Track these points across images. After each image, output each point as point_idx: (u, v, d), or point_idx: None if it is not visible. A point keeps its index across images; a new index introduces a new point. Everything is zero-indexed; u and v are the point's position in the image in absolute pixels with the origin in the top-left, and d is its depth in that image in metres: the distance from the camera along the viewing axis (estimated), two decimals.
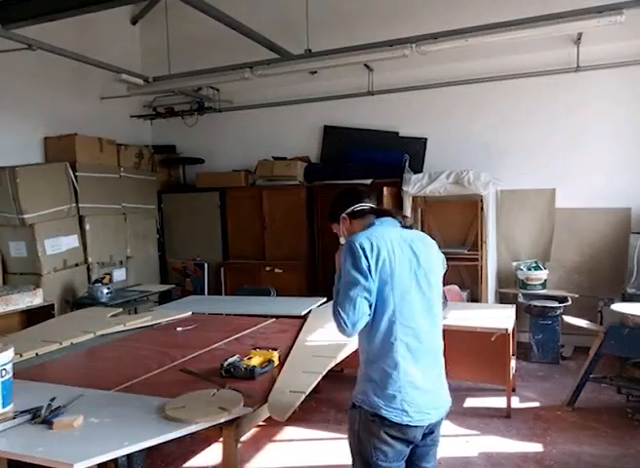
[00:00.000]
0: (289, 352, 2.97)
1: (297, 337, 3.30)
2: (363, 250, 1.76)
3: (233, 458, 2.09)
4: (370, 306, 1.75)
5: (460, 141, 5.70)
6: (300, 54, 5.12)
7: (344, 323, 1.72)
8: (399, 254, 1.81)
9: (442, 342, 1.92)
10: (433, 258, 1.93)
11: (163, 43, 5.84)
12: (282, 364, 2.75)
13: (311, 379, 2.49)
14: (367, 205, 2.02)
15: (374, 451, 1.77)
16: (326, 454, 3.33)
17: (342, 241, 2.00)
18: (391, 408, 1.74)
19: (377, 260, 1.76)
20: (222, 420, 2.05)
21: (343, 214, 2.02)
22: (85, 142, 5.66)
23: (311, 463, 3.25)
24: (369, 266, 1.75)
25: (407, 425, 1.75)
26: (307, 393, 2.34)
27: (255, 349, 2.81)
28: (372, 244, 1.78)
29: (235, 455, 2.11)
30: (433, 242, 2.00)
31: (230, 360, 2.63)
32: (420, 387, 1.78)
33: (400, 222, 1.95)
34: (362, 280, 1.74)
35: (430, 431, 1.85)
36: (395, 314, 1.77)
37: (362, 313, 1.73)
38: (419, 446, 1.85)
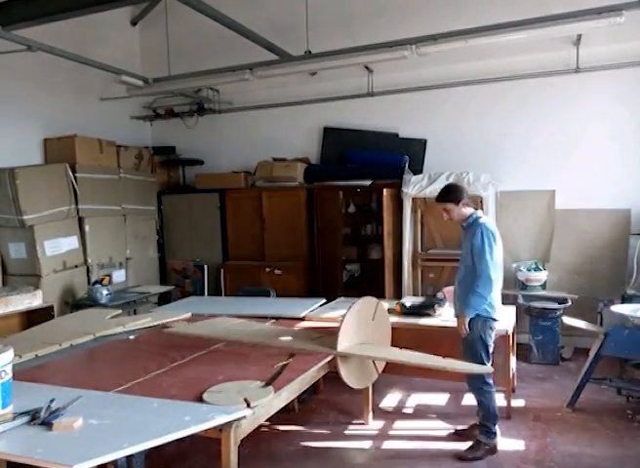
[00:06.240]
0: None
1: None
2: (494, 236, 3.15)
3: (232, 460, 2.09)
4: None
5: (460, 142, 5.70)
6: (299, 55, 5.13)
7: (490, 286, 3.09)
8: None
9: None
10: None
11: (163, 44, 5.83)
12: None
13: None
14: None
15: (490, 335, 3.21)
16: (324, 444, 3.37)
17: (453, 218, 3.34)
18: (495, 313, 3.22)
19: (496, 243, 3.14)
20: (224, 421, 2.05)
21: (464, 200, 3.22)
22: (85, 144, 5.67)
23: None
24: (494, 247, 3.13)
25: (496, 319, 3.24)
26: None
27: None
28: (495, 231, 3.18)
29: (234, 457, 2.11)
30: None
31: None
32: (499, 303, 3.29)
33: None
34: (490, 260, 3.08)
35: None
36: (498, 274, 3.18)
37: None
38: None
